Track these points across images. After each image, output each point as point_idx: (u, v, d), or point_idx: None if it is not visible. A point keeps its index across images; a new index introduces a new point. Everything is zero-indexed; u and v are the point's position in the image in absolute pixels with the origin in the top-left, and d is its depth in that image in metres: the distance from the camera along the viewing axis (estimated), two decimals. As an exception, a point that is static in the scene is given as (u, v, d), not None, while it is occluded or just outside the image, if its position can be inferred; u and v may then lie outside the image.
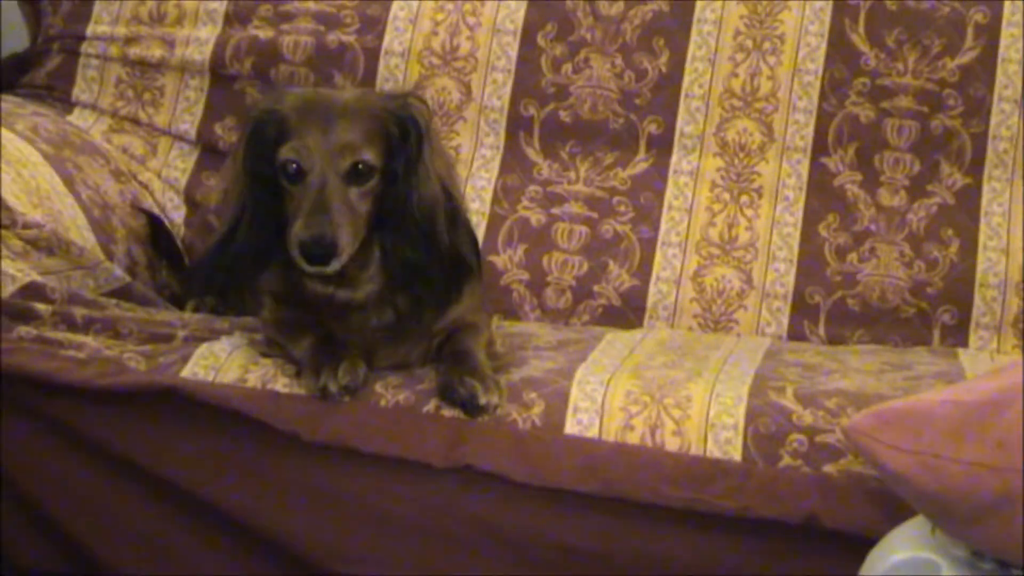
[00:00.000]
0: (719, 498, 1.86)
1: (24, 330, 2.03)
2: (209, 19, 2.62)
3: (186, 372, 1.98)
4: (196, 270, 2.30)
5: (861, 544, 1.61)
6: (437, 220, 1.93)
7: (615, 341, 2.18)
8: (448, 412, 1.91)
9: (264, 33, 2.58)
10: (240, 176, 1.97)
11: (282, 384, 1.96)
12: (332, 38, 2.56)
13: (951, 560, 1.43)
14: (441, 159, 2.00)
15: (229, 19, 2.61)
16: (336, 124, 1.88)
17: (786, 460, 1.85)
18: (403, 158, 1.91)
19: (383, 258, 1.94)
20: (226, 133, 2.58)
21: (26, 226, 2.15)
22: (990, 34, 2.46)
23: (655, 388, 1.92)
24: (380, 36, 2.55)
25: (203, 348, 2.02)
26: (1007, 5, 2.47)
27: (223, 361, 2.00)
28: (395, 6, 2.56)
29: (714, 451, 1.87)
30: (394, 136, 1.92)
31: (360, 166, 1.87)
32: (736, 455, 1.86)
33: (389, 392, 1.93)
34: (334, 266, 1.85)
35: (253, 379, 1.97)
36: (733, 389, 1.92)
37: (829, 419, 1.85)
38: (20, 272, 2.09)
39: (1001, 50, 2.45)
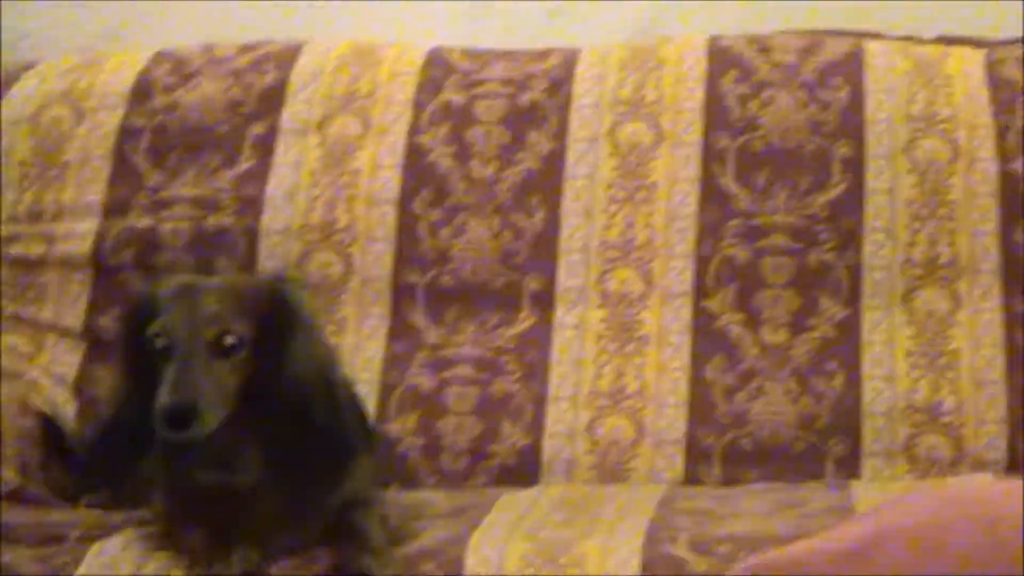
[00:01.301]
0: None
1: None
2: (87, 212, 2.61)
3: (80, 572, 1.96)
4: (82, 462, 2.29)
5: None
6: (313, 400, 1.94)
7: (510, 502, 2.18)
8: (345, 591, 1.90)
9: (143, 222, 2.59)
10: (120, 364, 1.99)
11: (180, 581, 1.94)
12: (211, 222, 2.57)
13: None
14: (317, 339, 2.02)
15: (107, 211, 2.61)
16: (204, 299, 1.91)
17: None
18: (276, 337, 1.93)
19: (263, 440, 1.95)
20: (111, 325, 2.57)
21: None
22: (856, 167, 2.50)
23: (550, 548, 1.91)
24: (258, 216, 2.56)
25: (96, 546, 2.00)
26: (870, 138, 2.52)
27: (117, 557, 1.97)
28: (271, 185, 2.58)
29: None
30: (266, 315, 1.93)
31: (227, 339, 1.89)
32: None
33: (284, 576, 1.92)
34: (196, 432, 1.84)
35: (148, 574, 1.96)
36: (627, 543, 1.92)
37: (722, 566, 1.85)
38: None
39: (868, 181, 2.50)
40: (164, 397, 1.84)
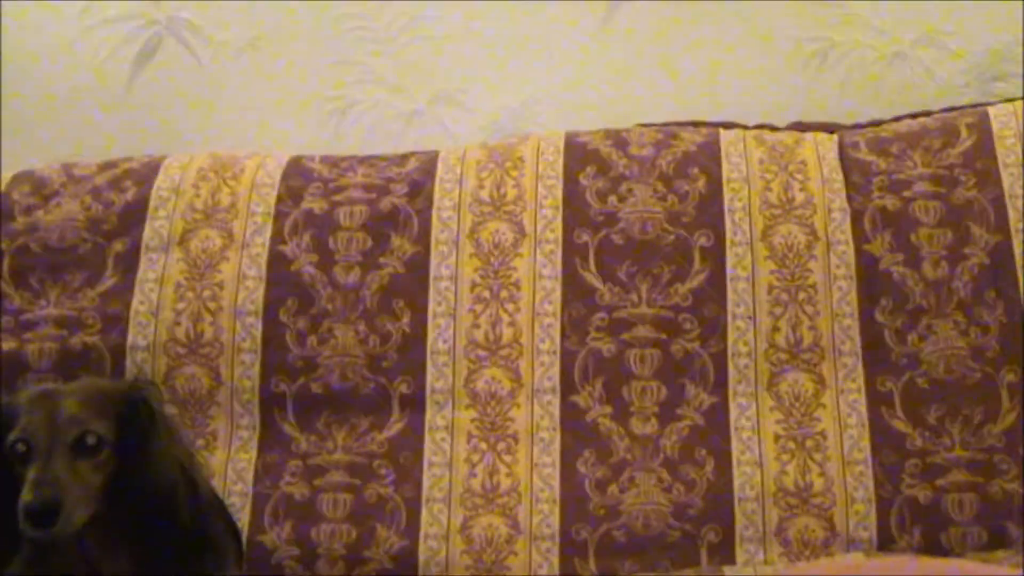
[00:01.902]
0: None
1: None
2: (-48, 334, 2.59)
3: None
4: None
5: None
6: (178, 501, 1.93)
7: (385, 607, 2.17)
8: None
9: (7, 345, 2.55)
10: None
11: None
12: (76, 340, 2.54)
13: None
14: (178, 442, 2.02)
15: (-29, 335, 2.59)
16: (63, 402, 1.93)
17: None
18: (135, 439, 1.93)
19: (130, 546, 1.94)
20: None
21: None
22: (715, 255, 2.53)
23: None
24: (124, 333, 2.54)
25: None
26: (729, 226, 2.54)
27: None
28: (135, 302, 2.56)
29: None
30: (125, 417, 1.93)
31: (87, 438, 1.90)
32: None
33: None
34: (60, 528, 1.84)
35: None
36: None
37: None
38: None
39: (728, 269, 2.52)
40: (27, 494, 1.84)
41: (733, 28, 2.93)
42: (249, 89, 3.02)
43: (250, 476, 2.47)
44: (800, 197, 2.57)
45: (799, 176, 2.59)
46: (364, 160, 2.69)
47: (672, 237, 2.54)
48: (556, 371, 2.49)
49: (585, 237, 2.55)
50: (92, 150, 2.82)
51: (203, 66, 3.03)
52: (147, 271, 2.59)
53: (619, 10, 2.96)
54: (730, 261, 2.53)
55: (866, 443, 2.42)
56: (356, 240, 2.58)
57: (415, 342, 2.53)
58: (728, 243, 2.54)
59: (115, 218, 2.63)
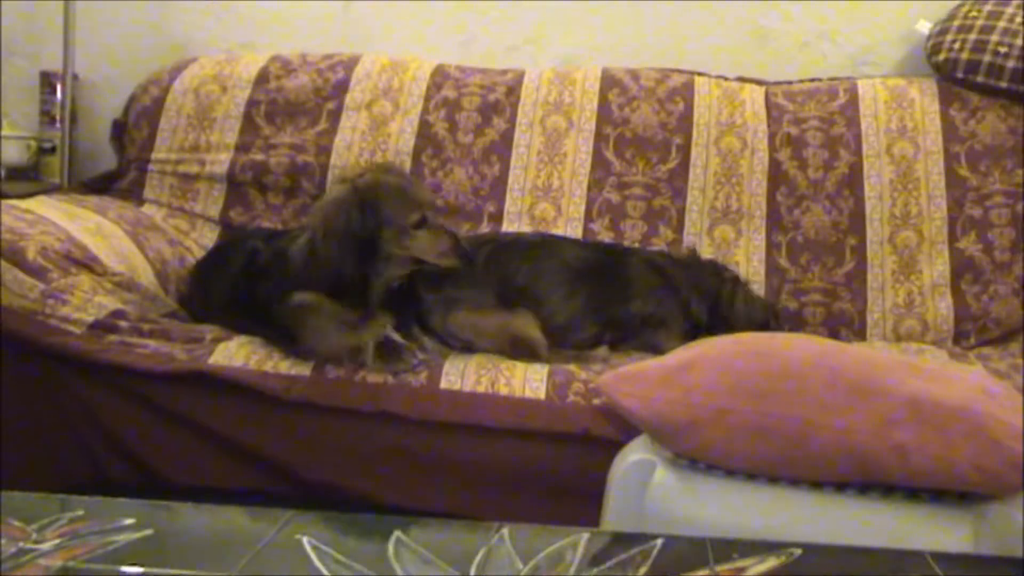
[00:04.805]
0: (531, 421, 1.85)
1: (112, 337, 1.98)
2: (225, 147, 2.57)
3: (212, 360, 1.94)
4: None
5: (614, 448, 1.60)
6: None
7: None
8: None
9: (258, 157, 2.55)
10: None
11: (270, 366, 1.93)
12: (300, 159, 2.52)
13: (663, 459, 1.43)
14: None
15: (238, 148, 2.57)
16: None
17: (571, 397, 1.86)
18: None
19: None
20: (236, 216, 2.54)
21: (114, 274, 2.10)
22: (685, 151, 2.47)
23: (491, 363, 1.93)
24: (328, 158, 2.51)
25: (222, 345, 1.98)
26: (695, 134, 2.48)
27: (235, 351, 1.96)
28: (337, 140, 2.53)
29: (528, 394, 1.88)
30: None
31: None
32: (542, 395, 1.87)
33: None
34: None
35: (254, 362, 1.94)
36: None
37: (596, 377, 1.86)
38: (110, 302, 2.04)
39: (692, 160, 2.47)
40: None
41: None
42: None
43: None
44: (739, 120, 2.52)
45: (740, 108, 2.54)
46: (481, 70, 2.65)
47: (660, 137, 2.50)
48: (583, 207, 2.47)
49: (608, 131, 2.51)
50: (317, 43, 2.75)
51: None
52: (346, 122, 2.55)
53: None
54: (693, 155, 2.49)
55: None
56: (472, 117, 2.54)
57: (500, 182, 2.51)
58: (693, 144, 2.49)
59: (329, 88, 2.60)
